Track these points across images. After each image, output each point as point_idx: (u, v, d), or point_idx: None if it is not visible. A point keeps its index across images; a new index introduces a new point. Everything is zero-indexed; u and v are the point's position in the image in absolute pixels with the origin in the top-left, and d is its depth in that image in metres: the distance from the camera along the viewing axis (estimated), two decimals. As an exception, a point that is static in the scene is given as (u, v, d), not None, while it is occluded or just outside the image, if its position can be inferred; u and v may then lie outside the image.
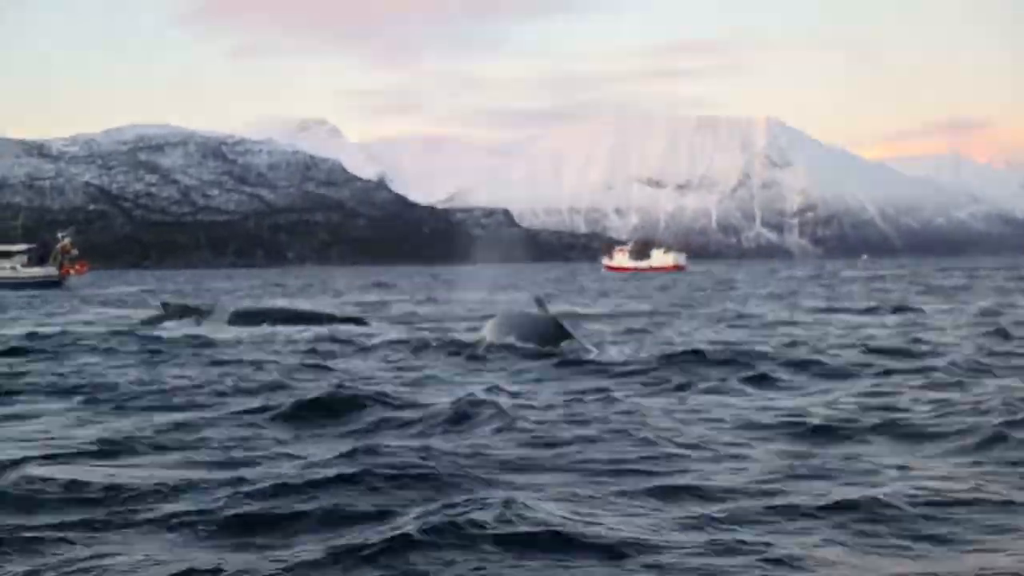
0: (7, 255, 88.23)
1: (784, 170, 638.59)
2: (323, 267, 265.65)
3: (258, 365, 18.18)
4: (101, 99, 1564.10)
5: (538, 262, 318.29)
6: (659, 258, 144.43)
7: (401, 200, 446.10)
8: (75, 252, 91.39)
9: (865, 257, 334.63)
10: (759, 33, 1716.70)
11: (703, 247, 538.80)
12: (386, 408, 12.35)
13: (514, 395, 13.55)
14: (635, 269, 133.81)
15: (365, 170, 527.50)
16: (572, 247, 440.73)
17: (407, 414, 11.91)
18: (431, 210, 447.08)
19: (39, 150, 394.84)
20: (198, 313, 31.86)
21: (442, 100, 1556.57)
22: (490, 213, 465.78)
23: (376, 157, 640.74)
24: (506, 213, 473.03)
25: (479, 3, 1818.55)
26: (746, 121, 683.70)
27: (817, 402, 13.08)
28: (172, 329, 27.71)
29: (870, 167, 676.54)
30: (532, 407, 12.44)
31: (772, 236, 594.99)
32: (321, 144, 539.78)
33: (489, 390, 13.65)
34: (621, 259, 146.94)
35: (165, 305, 34.72)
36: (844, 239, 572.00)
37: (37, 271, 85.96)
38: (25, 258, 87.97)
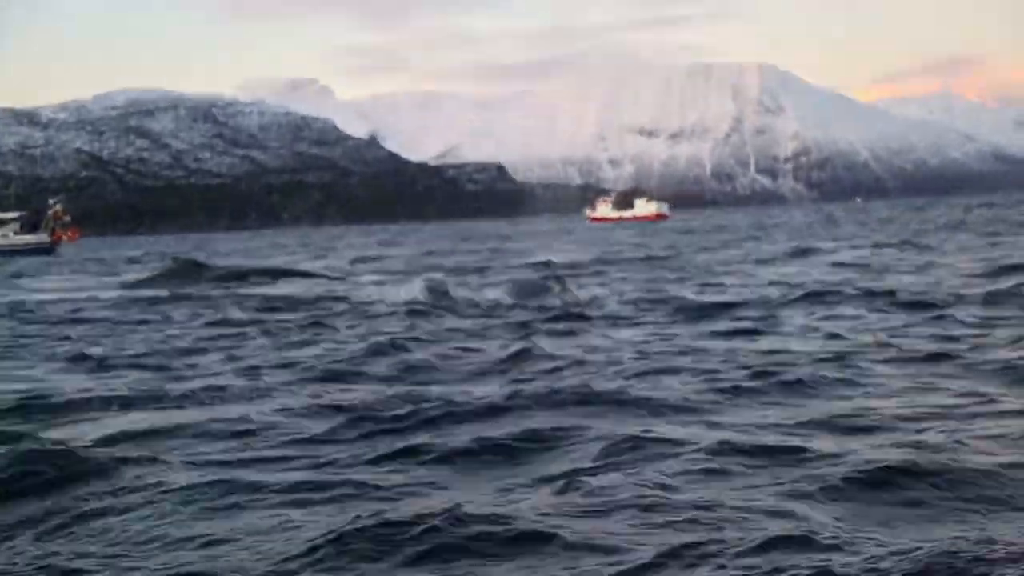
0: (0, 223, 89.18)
1: (777, 115, 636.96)
2: (318, 228, 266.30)
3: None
4: (90, 64, 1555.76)
5: (533, 215, 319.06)
6: (642, 207, 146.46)
7: (394, 158, 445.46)
8: (67, 219, 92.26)
9: (859, 200, 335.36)
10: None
11: (698, 195, 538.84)
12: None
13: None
14: (619, 219, 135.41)
15: (357, 129, 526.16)
16: (566, 199, 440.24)
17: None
18: (424, 167, 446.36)
19: (29, 118, 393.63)
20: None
21: (432, 57, 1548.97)
22: (483, 168, 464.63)
23: (367, 116, 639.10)
24: (499, 168, 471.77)
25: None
26: (738, 67, 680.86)
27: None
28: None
29: (862, 109, 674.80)
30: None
31: (767, 182, 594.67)
32: (312, 104, 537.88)
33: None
34: (604, 210, 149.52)
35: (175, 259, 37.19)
36: (838, 182, 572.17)
37: (30, 238, 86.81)
38: (17, 225, 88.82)
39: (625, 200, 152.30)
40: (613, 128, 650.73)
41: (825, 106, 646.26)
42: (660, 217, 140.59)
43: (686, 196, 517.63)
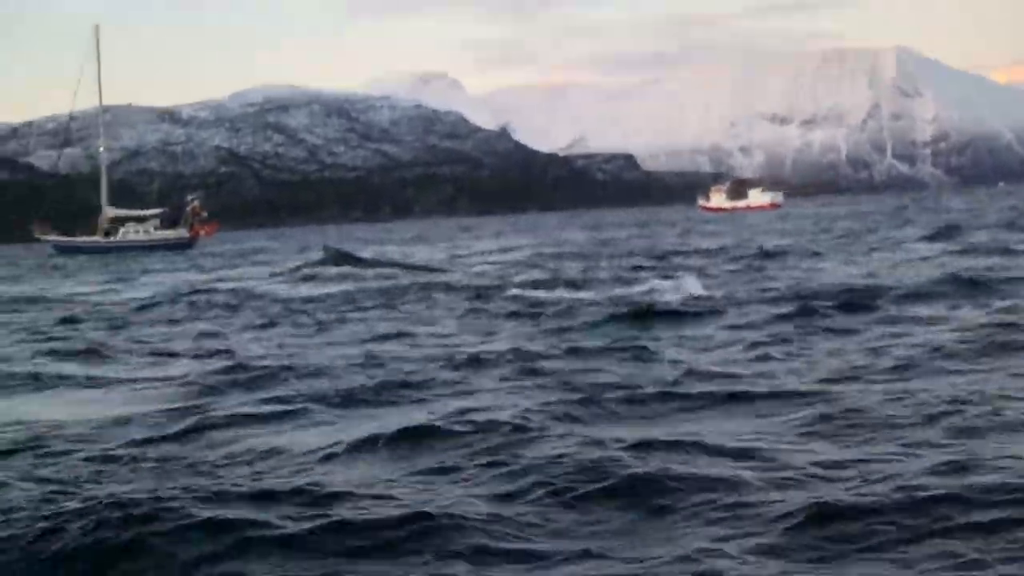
0: (141, 219, 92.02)
1: (915, 100, 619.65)
2: (451, 218, 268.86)
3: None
4: (227, 63, 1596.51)
5: (661, 205, 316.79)
6: (756, 197, 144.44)
7: (523, 149, 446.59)
8: (205, 214, 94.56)
9: (1002, 184, 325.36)
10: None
11: (832, 182, 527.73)
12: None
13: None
14: (732, 209, 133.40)
15: (487, 121, 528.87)
16: (696, 188, 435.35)
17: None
18: (553, 157, 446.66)
19: (170, 116, 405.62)
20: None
21: (558, 49, 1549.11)
22: (611, 158, 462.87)
23: (496, 108, 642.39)
24: (628, 157, 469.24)
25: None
26: (873, 52, 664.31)
27: None
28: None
29: (1004, 90, 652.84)
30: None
31: (904, 168, 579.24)
32: (442, 98, 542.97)
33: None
34: (718, 199, 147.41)
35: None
36: (980, 167, 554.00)
37: (169, 234, 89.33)
38: (158, 221, 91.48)
39: (739, 190, 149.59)
40: (743, 116, 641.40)
41: (964, 88, 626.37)
42: (774, 206, 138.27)
43: (821, 183, 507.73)
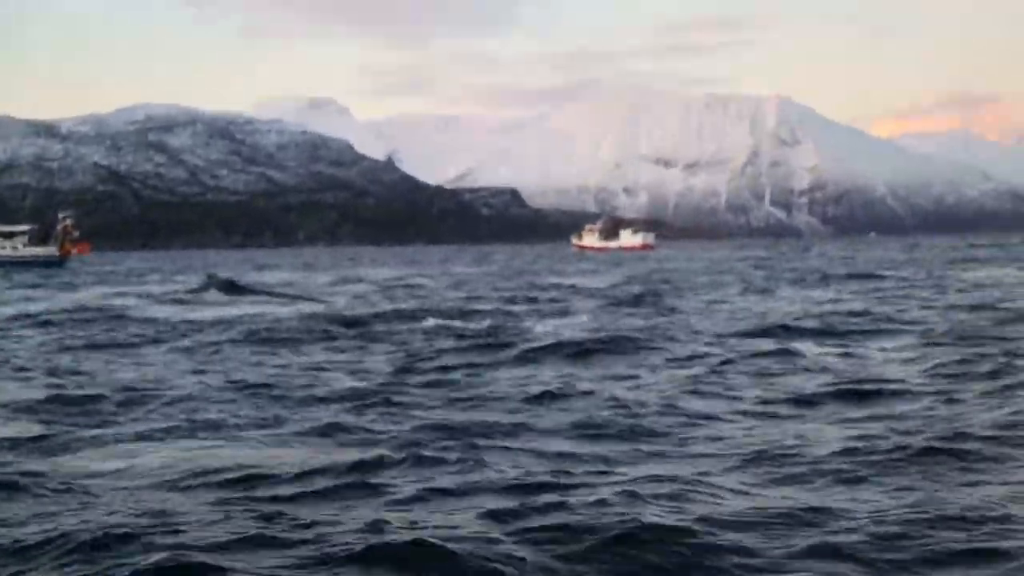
0: (8, 235, 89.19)
1: (794, 148, 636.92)
2: (334, 247, 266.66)
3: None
4: (111, 79, 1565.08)
5: (546, 242, 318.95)
6: (627, 238, 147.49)
7: (410, 180, 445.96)
8: (76, 233, 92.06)
9: (873, 235, 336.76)
10: (768, 9, 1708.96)
11: (713, 227, 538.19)
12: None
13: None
14: (603, 249, 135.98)
15: (374, 150, 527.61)
16: (580, 227, 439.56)
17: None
18: (439, 190, 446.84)
19: (48, 130, 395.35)
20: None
21: (452, 79, 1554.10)
22: (498, 193, 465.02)
23: (385, 136, 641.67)
24: (514, 193, 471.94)
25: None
26: (756, 99, 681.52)
27: None
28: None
29: (880, 144, 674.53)
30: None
31: (781, 215, 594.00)
32: (330, 124, 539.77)
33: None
34: (590, 239, 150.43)
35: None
36: (854, 218, 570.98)
37: (38, 251, 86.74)
38: (27, 238, 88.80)
39: (611, 230, 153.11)
40: (629, 156, 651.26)
41: (842, 140, 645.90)
42: (646, 247, 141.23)
43: (701, 227, 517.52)
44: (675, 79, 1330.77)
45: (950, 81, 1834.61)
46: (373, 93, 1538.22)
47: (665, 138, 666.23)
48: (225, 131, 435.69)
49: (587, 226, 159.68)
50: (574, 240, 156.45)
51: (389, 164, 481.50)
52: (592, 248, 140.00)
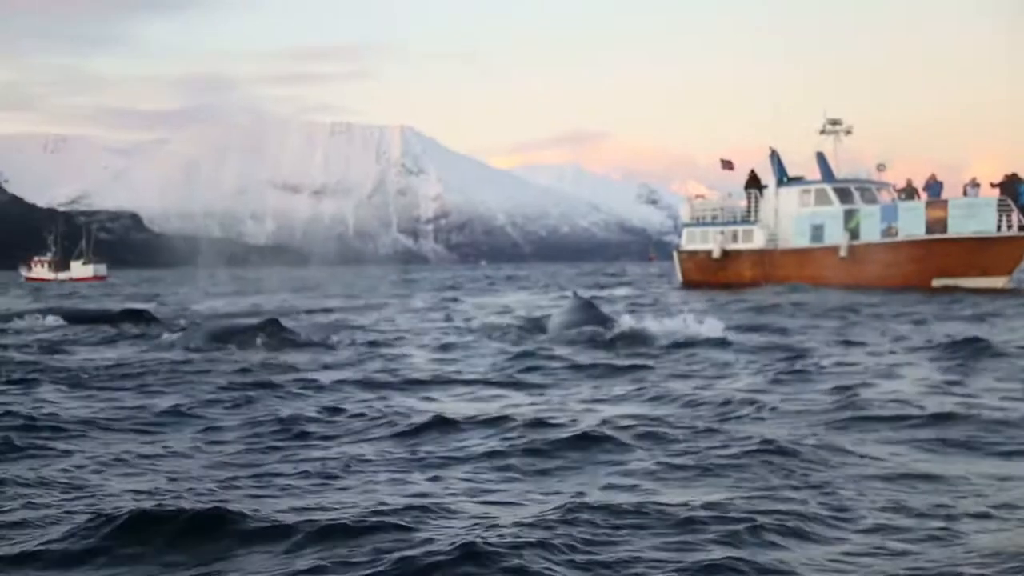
0: None
1: (419, 177, 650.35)
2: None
3: None
4: None
5: (171, 267, 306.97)
6: (78, 269, 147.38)
7: (18, 202, 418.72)
8: None
9: (484, 263, 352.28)
10: (388, 41, 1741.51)
11: (342, 253, 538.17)
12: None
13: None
14: (55, 280, 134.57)
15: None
16: (206, 252, 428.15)
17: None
18: (52, 213, 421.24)
19: None
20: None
21: (61, 98, 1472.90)
22: (117, 217, 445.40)
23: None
24: (134, 217, 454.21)
25: (94, 1, 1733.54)
26: (380, 128, 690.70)
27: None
28: None
29: (500, 175, 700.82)
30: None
31: (409, 242, 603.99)
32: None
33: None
34: (40, 270, 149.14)
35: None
36: (477, 245, 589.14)
37: None
38: None
39: (63, 261, 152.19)
40: (254, 182, 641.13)
41: (464, 170, 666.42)
42: (98, 278, 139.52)
43: (329, 254, 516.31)
44: (297, 106, 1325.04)
45: (564, 117, 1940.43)
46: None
47: (290, 165, 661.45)
48: None
49: (35, 257, 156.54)
50: (24, 271, 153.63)
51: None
52: (44, 279, 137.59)
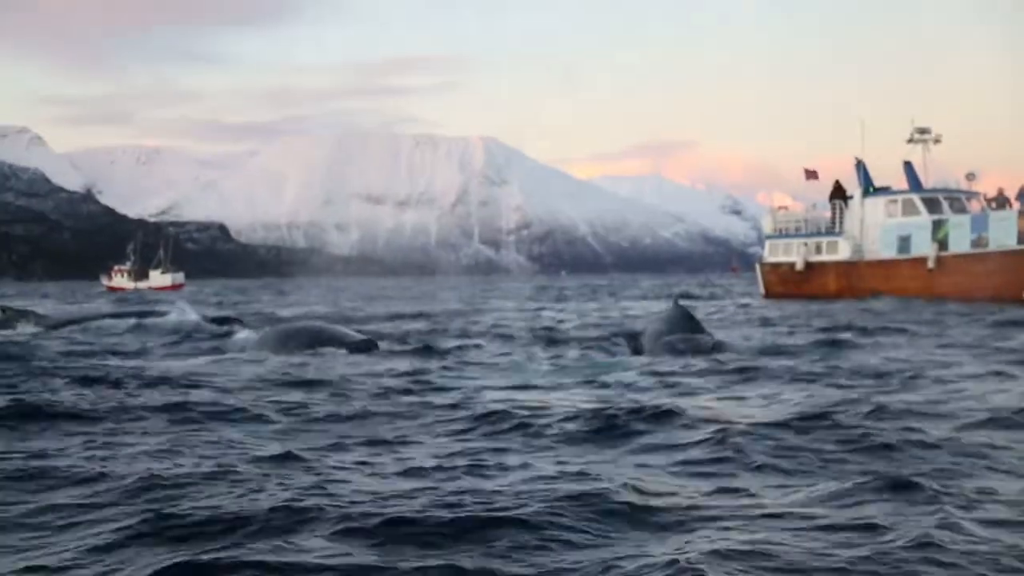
0: None
1: (501, 188, 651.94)
2: (25, 283, 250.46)
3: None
4: None
5: (255, 277, 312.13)
6: (157, 279, 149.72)
7: (110, 212, 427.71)
8: None
9: (564, 273, 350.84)
10: (471, 53, 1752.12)
11: (424, 264, 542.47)
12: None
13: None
14: (135, 289, 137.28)
15: (71, 181, 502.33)
16: (290, 263, 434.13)
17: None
18: (142, 223, 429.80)
19: None
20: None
21: (154, 112, 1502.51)
22: (205, 227, 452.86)
23: (83, 168, 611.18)
24: (221, 228, 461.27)
25: (190, 15, 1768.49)
26: (463, 140, 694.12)
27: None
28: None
29: (582, 186, 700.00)
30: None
31: (490, 253, 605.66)
32: (21, 153, 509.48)
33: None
34: (120, 280, 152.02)
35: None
36: (558, 256, 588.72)
37: None
38: None
39: (142, 271, 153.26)
40: (339, 193, 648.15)
41: (546, 181, 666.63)
42: (175, 287, 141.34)
43: (412, 264, 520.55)
44: (382, 118, 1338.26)
45: (647, 127, 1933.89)
46: (68, 123, 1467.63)
47: (375, 176, 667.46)
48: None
49: (115, 267, 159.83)
50: (104, 280, 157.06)
51: (88, 196, 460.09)
52: (123, 288, 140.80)
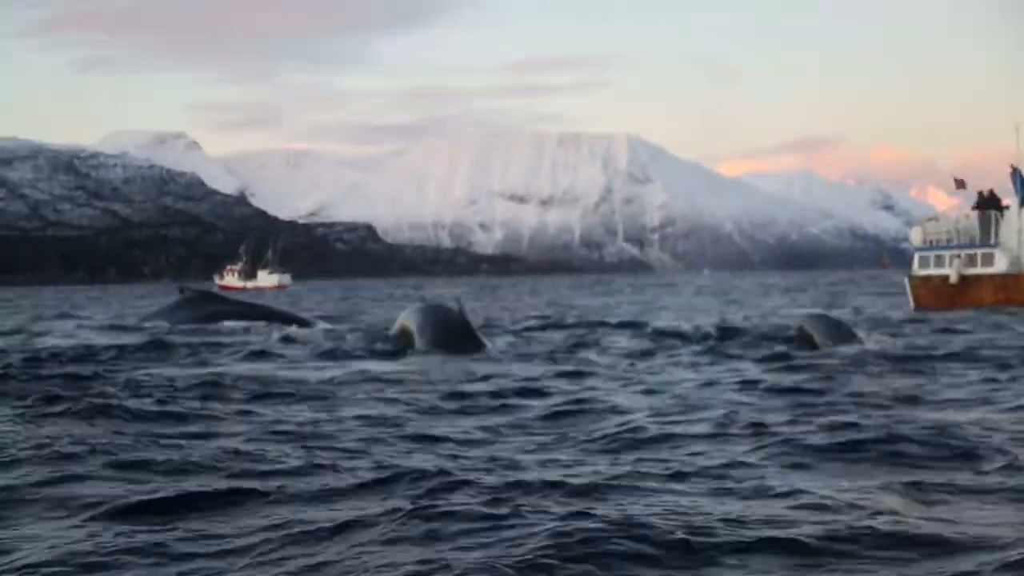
0: None
1: (645, 186, 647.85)
2: (181, 283, 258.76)
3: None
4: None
5: (400, 276, 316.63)
6: (264, 278, 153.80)
7: (261, 215, 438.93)
8: None
9: (707, 271, 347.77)
10: (617, 51, 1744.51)
11: (567, 262, 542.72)
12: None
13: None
14: (243, 288, 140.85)
15: (225, 184, 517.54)
16: (436, 262, 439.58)
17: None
18: (292, 224, 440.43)
19: None
20: None
21: (302, 115, 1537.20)
22: (353, 228, 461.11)
23: (236, 171, 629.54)
24: (369, 228, 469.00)
25: (336, 19, 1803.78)
26: (607, 137, 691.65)
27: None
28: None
29: (727, 183, 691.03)
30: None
31: (634, 251, 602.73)
32: (179, 158, 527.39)
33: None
34: (231, 279, 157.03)
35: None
36: (703, 254, 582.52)
37: None
38: None
39: (251, 271, 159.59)
40: (483, 192, 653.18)
41: (691, 178, 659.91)
42: (281, 287, 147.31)
43: (555, 263, 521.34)
44: (526, 116, 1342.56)
45: (794, 123, 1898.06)
46: (222, 128, 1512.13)
47: (518, 175, 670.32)
48: (69, 165, 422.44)
49: (227, 266, 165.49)
50: (217, 279, 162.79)
51: (241, 199, 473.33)
52: (233, 287, 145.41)
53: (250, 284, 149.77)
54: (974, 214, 49.40)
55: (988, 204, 48.47)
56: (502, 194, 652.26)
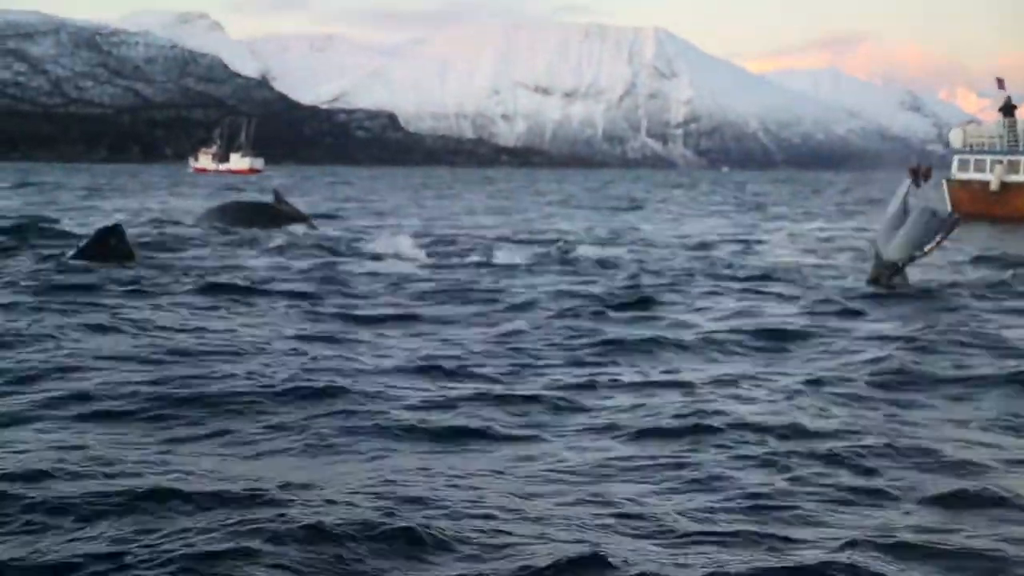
0: None
1: (671, 81, 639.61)
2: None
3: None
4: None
5: (422, 166, 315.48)
6: (236, 162, 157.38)
7: (284, 99, 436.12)
8: None
9: (726, 169, 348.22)
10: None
11: (589, 156, 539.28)
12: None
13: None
14: (216, 171, 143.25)
15: (247, 67, 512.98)
16: (457, 152, 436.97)
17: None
18: (314, 110, 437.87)
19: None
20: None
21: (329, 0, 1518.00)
22: (374, 116, 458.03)
23: (259, 55, 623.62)
24: (391, 117, 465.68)
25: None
26: (634, 31, 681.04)
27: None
28: None
29: (754, 80, 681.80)
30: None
31: (657, 147, 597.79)
32: (201, 39, 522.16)
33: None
34: (205, 161, 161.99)
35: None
36: (727, 151, 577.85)
37: None
38: None
39: (224, 155, 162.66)
40: (507, 83, 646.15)
41: (718, 74, 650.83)
42: (253, 171, 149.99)
43: (577, 156, 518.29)
44: (552, 6, 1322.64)
45: (822, 18, 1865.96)
46: (246, 9, 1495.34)
47: (543, 66, 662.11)
48: (91, 41, 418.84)
49: (202, 149, 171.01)
50: (192, 162, 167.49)
51: (263, 83, 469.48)
52: (207, 170, 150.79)
53: (223, 167, 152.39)
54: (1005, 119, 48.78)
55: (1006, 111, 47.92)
56: (525, 85, 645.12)
